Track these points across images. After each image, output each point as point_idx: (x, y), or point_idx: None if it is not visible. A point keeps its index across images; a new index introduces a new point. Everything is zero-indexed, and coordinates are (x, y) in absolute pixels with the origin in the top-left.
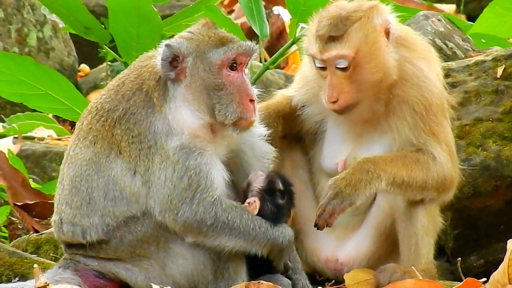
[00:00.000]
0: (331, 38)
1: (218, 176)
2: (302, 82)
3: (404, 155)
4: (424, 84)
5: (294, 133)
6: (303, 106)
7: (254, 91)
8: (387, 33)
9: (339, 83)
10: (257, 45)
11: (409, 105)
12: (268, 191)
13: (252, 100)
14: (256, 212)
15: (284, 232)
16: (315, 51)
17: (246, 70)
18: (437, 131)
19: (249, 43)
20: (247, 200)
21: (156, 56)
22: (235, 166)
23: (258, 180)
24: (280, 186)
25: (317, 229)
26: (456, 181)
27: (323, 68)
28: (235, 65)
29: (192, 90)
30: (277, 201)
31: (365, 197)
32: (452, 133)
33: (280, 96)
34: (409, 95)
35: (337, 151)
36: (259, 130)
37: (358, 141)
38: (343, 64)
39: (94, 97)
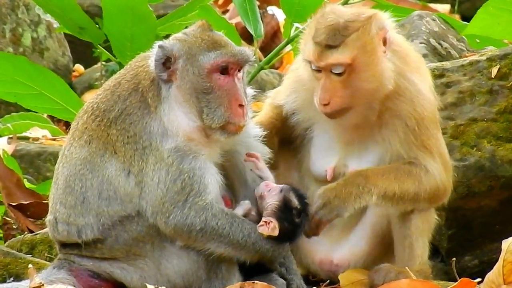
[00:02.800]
0: (328, 46)
1: (212, 181)
2: (290, 89)
3: (396, 168)
4: (417, 99)
5: (286, 136)
6: (293, 113)
7: (249, 92)
8: (384, 41)
9: (332, 87)
10: (253, 51)
11: (402, 120)
12: (284, 211)
13: (241, 105)
14: (276, 233)
15: (274, 246)
16: (311, 58)
17: (239, 75)
18: (429, 144)
19: (243, 49)
20: (263, 219)
21: (150, 57)
22: (231, 167)
23: (272, 197)
24: (296, 203)
25: (306, 236)
26: (449, 189)
27: (318, 71)
28: (225, 69)
29: (182, 92)
30: (294, 219)
31: (353, 210)
32: (447, 133)
33: (270, 108)
34: (402, 109)
35: (325, 157)
36: (255, 131)
37: (348, 148)
38: (338, 70)
39: (89, 97)
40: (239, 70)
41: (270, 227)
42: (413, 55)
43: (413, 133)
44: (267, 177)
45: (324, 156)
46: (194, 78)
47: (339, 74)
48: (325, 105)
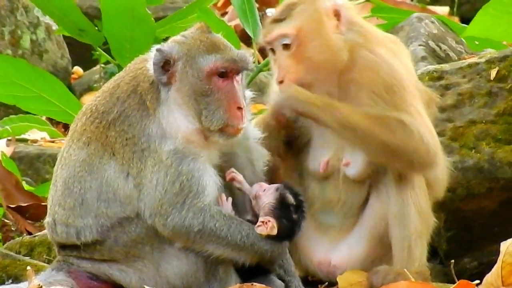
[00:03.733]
0: (275, 21)
1: (210, 182)
2: None
3: (368, 112)
4: (381, 67)
5: (290, 134)
6: None
7: (248, 94)
8: (338, 15)
9: (285, 64)
10: (252, 54)
11: (368, 89)
12: (281, 208)
13: (240, 108)
14: (275, 232)
15: (273, 246)
16: (261, 38)
17: (238, 77)
18: (406, 107)
19: (242, 54)
20: (261, 219)
21: (149, 60)
22: (229, 168)
23: (267, 196)
24: (292, 200)
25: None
26: (436, 156)
27: (274, 53)
28: (224, 72)
29: (181, 94)
30: (291, 216)
31: (308, 115)
32: (446, 135)
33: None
34: (365, 77)
35: (321, 151)
36: (254, 133)
37: (341, 141)
38: (285, 41)
39: (88, 100)
40: (237, 74)
41: (268, 226)
42: (382, 36)
43: (382, 99)
44: (247, 189)
45: (321, 150)
46: (193, 80)
47: (288, 48)
48: (280, 82)
